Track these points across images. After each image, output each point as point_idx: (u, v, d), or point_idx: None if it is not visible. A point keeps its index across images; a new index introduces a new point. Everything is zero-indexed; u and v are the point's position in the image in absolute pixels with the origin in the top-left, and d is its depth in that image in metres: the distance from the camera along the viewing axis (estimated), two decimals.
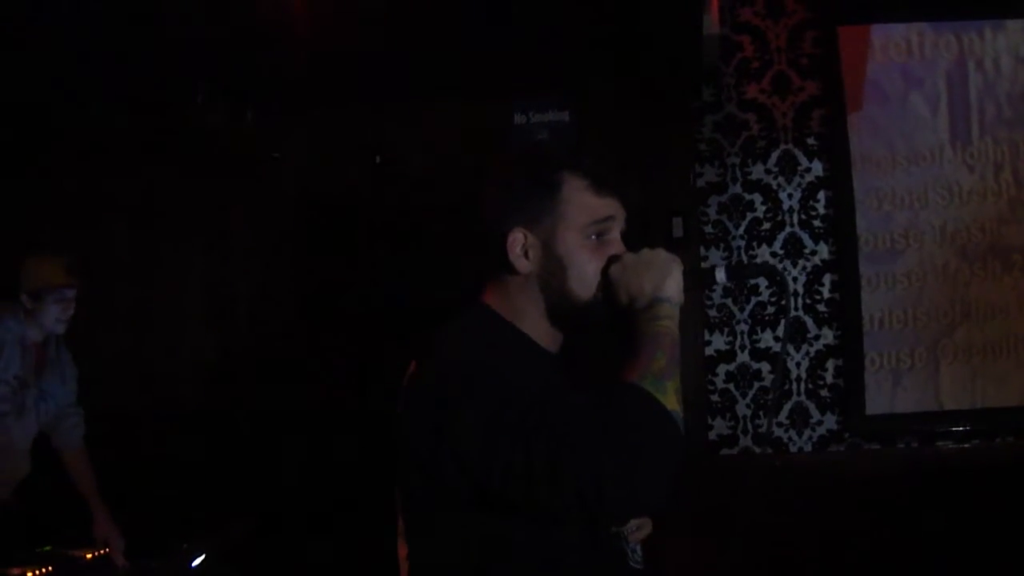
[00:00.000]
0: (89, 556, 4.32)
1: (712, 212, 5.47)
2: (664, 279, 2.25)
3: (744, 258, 5.40)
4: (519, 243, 2.33)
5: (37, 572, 3.99)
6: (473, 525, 2.25)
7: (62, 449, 4.94)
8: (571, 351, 2.45)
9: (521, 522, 2.19)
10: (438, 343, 2.33)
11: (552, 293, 2.34)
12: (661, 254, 2.29)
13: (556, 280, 2.33)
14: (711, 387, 5.42)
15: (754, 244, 5.44)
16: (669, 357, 2.14)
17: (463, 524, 2.26)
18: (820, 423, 5.38)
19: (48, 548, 4.49)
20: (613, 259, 2.31)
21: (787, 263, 5.42)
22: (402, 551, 2.47)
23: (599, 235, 2.33)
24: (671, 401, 2.08)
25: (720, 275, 2.39)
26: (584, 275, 2.31)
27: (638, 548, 2.60)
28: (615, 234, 2.36)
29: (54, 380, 4.93)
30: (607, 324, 2.34)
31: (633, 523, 2.56)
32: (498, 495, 2.12)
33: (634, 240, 2.43)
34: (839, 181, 5.41)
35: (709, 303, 5.42)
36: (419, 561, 2.39)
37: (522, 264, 2.34)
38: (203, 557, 4.20)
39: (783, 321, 5.36)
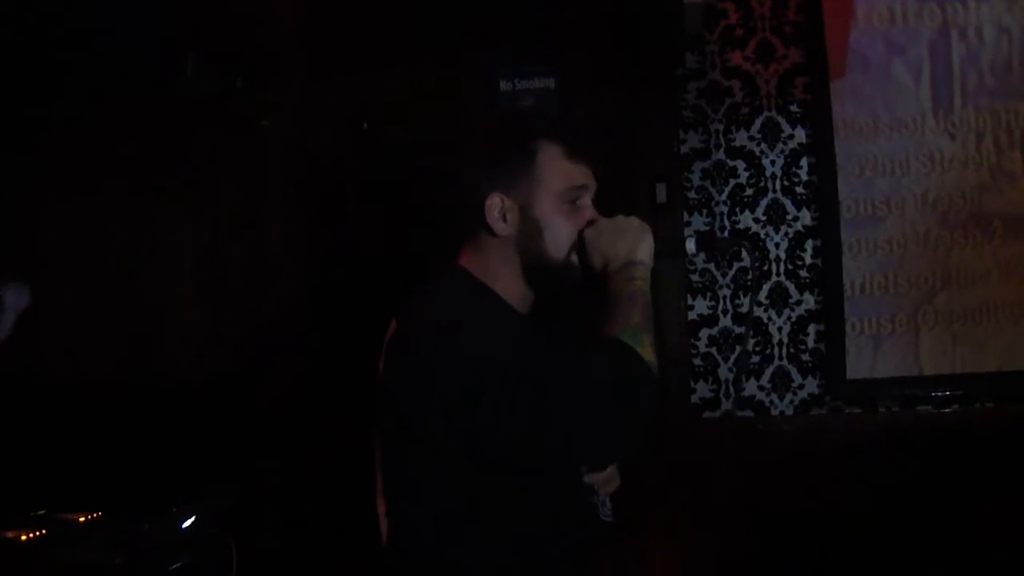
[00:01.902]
0: (82, 519, 4.36)
1: (695, 178, 5.51)
2: (638, 244, 2.40)
3: (727, 224, 5.44)
4: (497, 207, 2.51)
5: (31, 535, 4.03)
6: (451, 479, 2.34)
7: None
8: (540, 312, 2.55)
9: (497, 475, 2.28)
10: (415, 303, 2.44)
11: (528, 254, 2.51)
12: (634, 221, 2.45)
13: (532, 242, 2.50)
14: (694, 351, 5.47)
15: (737, 210, 5.48)
16: (643, 314, 2.30)
17: (441, 478, 2.36)
18: (801, 387, 5.43)
19: (42, 512, 4.55)
20: (590, 224, 2.44)
21: (769, 229, 5.45)
22: (381, 507, 2.54)
23: (573, 200, 2.46)
24: (648, 353, 2.25)
25: (690, 245, 2.50)
26: (559, 237, 2.48)
27: (608, 501, 2.67)
28: (587, 200, 2.52)
29: None
30: (579, 285, 2.44)
31: (602, 476, 2.63)
32: (479, 447, 2.20)
33: (619, 206, 2.52)
34: (822, 148, 5.44)
35: (692, 268, 5.46)
36: (398, 516, 2.47)
37: (500, 227, 2.51)
38: (193, 519, 4.24)
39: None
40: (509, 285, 2.53)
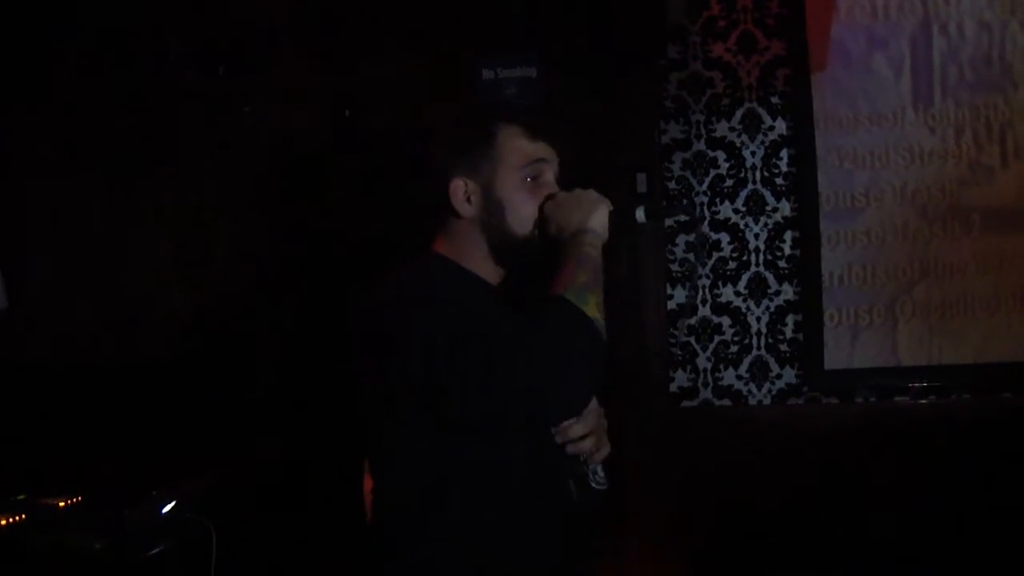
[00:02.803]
0: (62, 504, 4.37)
1: (676, 169, 5.53)
2: (590, 213, 2.52)
3: (707, 214, 5.47)
4: (461, 189, 2.62)
5: (11, 519, 4.04)
6: (428, 451, 2.40)
7: None
8: (512, 286, 2.62)
9: (471, 445, 2.34)
10: (384, 282, 2.50)
11: (493, 233, 2.62)
12: (591, 193, 2.57)
13: (496, 220, 2.61)
14: (672, 340, 5.50)
15: (717, 200, 5.51)
16: (591, 276, 2.41)
17: (419, 451, 2.42)
18: (779, 377, 5.48)
19: (22, 497, 4.56)
20: (548, 197, 2.52)
21: (749, 220, 5.49)
22: (367, 486, 2.58)
23: (534, 177, 2.58)
24: (591, 310, 2.32)
25: (640, 214, 2.57)
26: (521, 214, 2.60)
27: (599, 469, 2.70)
28: (549, 177, 2.63)
29: None
30: (542, 259, 2.51)
31: (589, 444, 2.66)
32: (438, 411, 2.26)
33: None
34: (802, 140, 5.47)
35: (671, 258, 5.49)
36: (382, 492, 2.52)
37: (465, 209, 2.61)
38: (173, 504, 4.25)
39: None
40: (481, 265, 2.63)
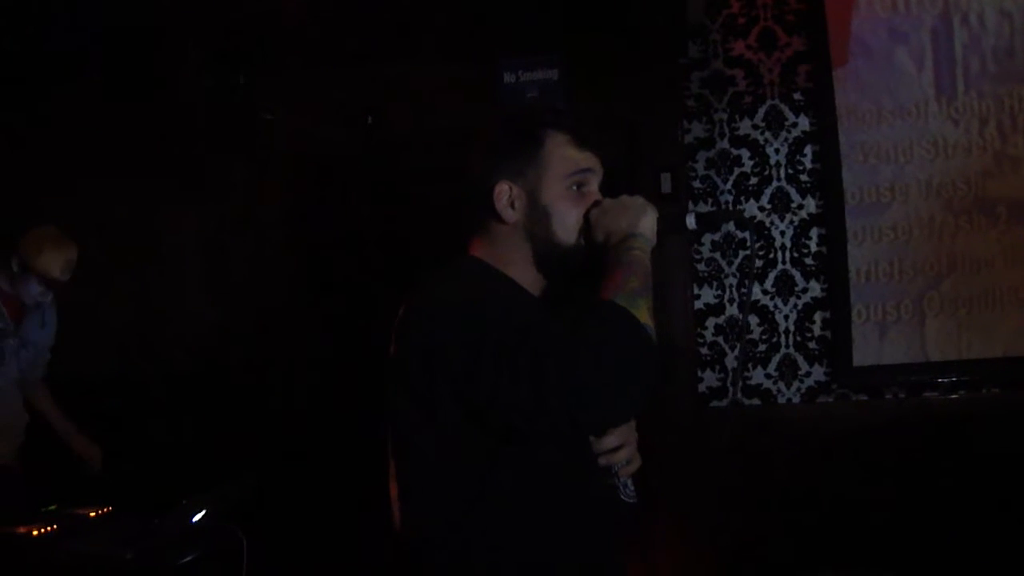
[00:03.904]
0: (93, 514, 4.37)
1: (700, 168, 5.52)
2: (639, 218, 2.46)
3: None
4: (505, 194, 2.53)
5: (43, 530, 4.04)
6: (462, 461, 2.36)
7: (25, 387, 5.02)
8: (554, 298, 2.58)
9: (511, 454, 2.30)
10: (426, 286, 2.46)
11: (538, 241, 2.53)
12: (638, 199, 2.51)
13: (541, 228, 2.52)
14: (700, 340, 5.48)
15: (742, 199, 5.50)
16: (641, 281, 2.33)
17: (453, 461, 2.37)
18: (808, 375, 5.45)
19: (53, 507, 4.57)
20: (594, 204, 2.47)
21: (774, 217, 5.47)
22: (394, 492, 2.55)
23: (579, 186, 2.53)
24: (643, 315, 2.24)
25: (690, 221, 2.53)
26: (567, 222, 2.52)
27: (629, 482, 2.66)
28: (594, 186, 2.57)
29: (33, 325, 4.99)
30: (588, 268, 2.47)
31: (621, 456, 2.62)
32: (489, 421, 2.23)
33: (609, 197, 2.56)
34: (825, 136, 5.45)
35: (697, 257, 5.48)
36: (410, 501, 2.48)
37: (508, 214, 2.52)
38: (203, 513, 4.24)
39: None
40: (521, 271, 2.55)
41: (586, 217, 2.51)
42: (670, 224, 2.56)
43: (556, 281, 2.59)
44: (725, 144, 5.52)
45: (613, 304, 2.24)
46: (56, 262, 4.75)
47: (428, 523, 2.43)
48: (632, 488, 2.67)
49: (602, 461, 2.59)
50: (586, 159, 2.55)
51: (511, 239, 2.55)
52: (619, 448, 2.61)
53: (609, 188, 2.60)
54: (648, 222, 2.46)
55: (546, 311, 2.55)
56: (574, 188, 2.53)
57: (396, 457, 2.53)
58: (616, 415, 2.33)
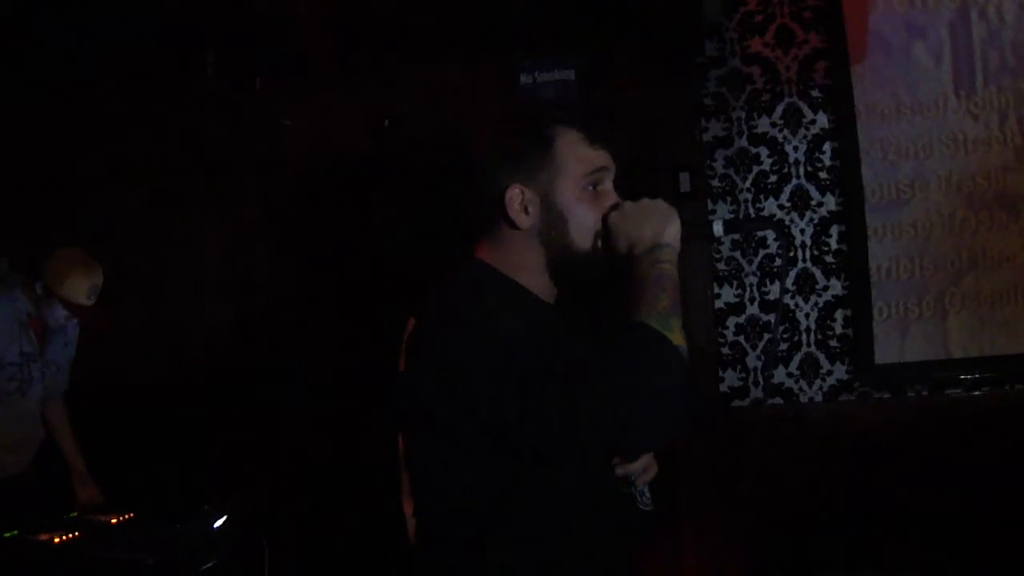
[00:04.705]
0: (114, 521, 4.38)
1: (719, 166, 5.50)
2: (664, 226, 2.33)
3: (751, 211, 5.43)
4: (518, 199, 2.40)
5: (64, 537, 4.04)
6: (478, 476, 2.31)
7: (44, 401, 5.02)
8: (566, 304, 2.51)
9: (528, 469, 2.25)
10: (435, 297, 2.37)
11: (553, 246, 2.41)
12: (661, 203, 2.37)
13: (557, 232, 2.40)
14: (721, 340, 5.46)
15: (761, 197, 5.47)
16: (672, 298, 2.22)
17: (469, 476, 2.32)
18: (830, 373, 5.42)
19: (74, 514, 4.58)
20: (613, 207, 2.38)
21: (794, 215, 5.44)
22: (407, 509, 2.52)
23: (595, 185, 2.41)
24: (677, 337, 2.16)
25: (717, 228, 2.46)
26: (584, 225, 2.40)
27: (646, 491, 2.63)
28: (609, 184, 2.44)
29: (57, 346, 4.99)
30: (605, 275, 2.40)
31: (639, 465, 2.60)
32: (510, 441, 2.17)
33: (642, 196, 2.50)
34: (844, 132, 5.42)
35: (717, 256, 5.45)
36: (426, 516, 2.44)
37: (522, 219, 2.40)
38: (224, 518, 4.24)
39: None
40: (532, 278, 2.45)
41: (605, 222, 2.40)
42: (696, 231, 2.50)
43: (568, 288, 2.51)
44: (743, 142, 5.50)
45: (647, 327, 2.17)
46: (81, 288, 4.71)
47: (444, 538, 2.39)
48: (648, 496, 2.63)
49: (619, 471, 2.56)
50: (600, 157, 2.43)
51: (523, 244, 2.43)
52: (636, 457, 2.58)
53: (627, 188, 2.55)
54: (673, 230, 2.35)
55: (562, 322, 2.47)
56: (590, 188, 2.41)
57: (410, 472, 2.49)
58: (651, 442, 2.28)
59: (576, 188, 2.40)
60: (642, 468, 2.61)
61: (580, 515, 2.37)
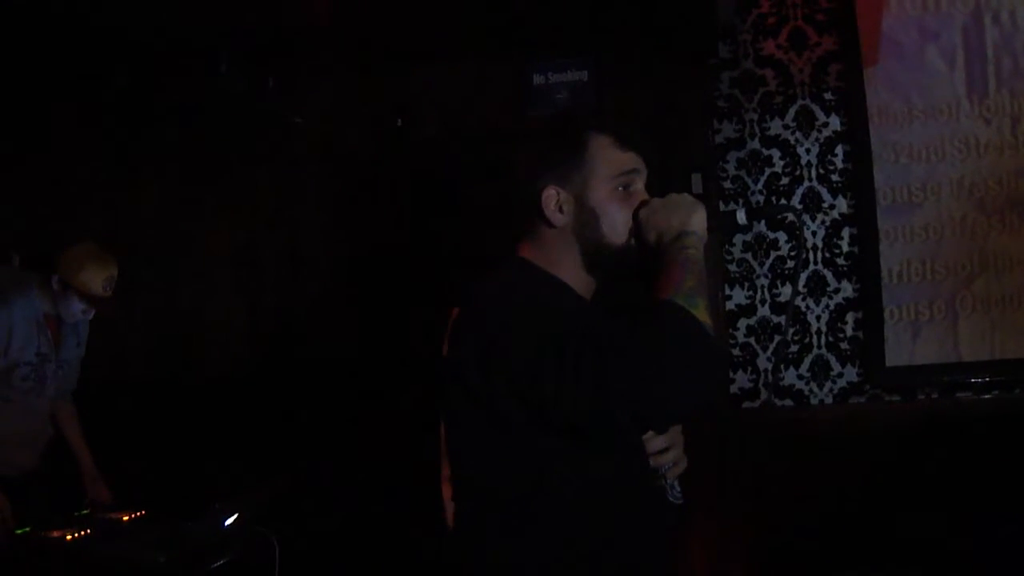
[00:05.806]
0: (126, 518, 4.40)
1: (731, 168, 5.51)
2: (690, 216, 2.49)
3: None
4: (553, 199, 2.58)
5: (76, 534, 4.06)
6: (519, 457, 2.41)
7: (54, 399, 5.04)
8: (603, 300, 2.60)
9: (564, 454, 2.33)
10: (483, 287, 2.53)
11: (587, 242, 2.58)
12: (687, 196, 2.56)
13: (590, 230, 2.57)
14: (732, 341, 5.47)
15: (773, 199, 5.48)
16: (697, 279, 2.34)
17: (510, 458, 2.42)
18: (841, 375, 5.43)
19: (86, 512, 4.59)
20: (642, 204, 2.52)
21: (806, 217, 5.45)
22: (446, 493, 2.57)
23: (625, 187, 2.58)
24: (703, 315, 2.27)
25: (741, 216, 2.56)
26: (616, 223, 2.56)
27: (676, 484, 2.68)
28: (639, 186, 2.63)
29: (71, 346, 5.02)
30: (638, 269, 2.48)
31: (670, 458, 2.63)
32: (548, 415, 2.25)
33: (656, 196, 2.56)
34: (856, 135, 5.43)
35: (729, 258, 5.47)
36: (467, 500, 2.50)
37: (557, 218, 2.57)
38: (235, 516, 4.25)
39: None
40: (570, 273, 2.60)
41: (635, 217, 2.54)
42: (720, 220, 2.58)
43: (605, 282, 2.62)
44: (756, 144, 5.51)
45: (673, 303, 2.26)
46: (97, 278, 4.75)
47: (483, 523, 2.45)
48: (679, 490, 2.68)
49: (652, 463, 2.60)
50: (631, 159, 2.59)
51: (560, 242, 2.59)
52: (667, 450, 2.63)
53: (659, 189, 2.62)
54: (699, 219, 2.49)
55: (599, 312, 2.57)
56: (621, 189, 2.57)
57: (452, 457, 2.55)
58: (679, 413, 2.35)
59: (607, 188, 2.57)
60: (673, 461, 2.66)
61: (613, 506, 2.44)
